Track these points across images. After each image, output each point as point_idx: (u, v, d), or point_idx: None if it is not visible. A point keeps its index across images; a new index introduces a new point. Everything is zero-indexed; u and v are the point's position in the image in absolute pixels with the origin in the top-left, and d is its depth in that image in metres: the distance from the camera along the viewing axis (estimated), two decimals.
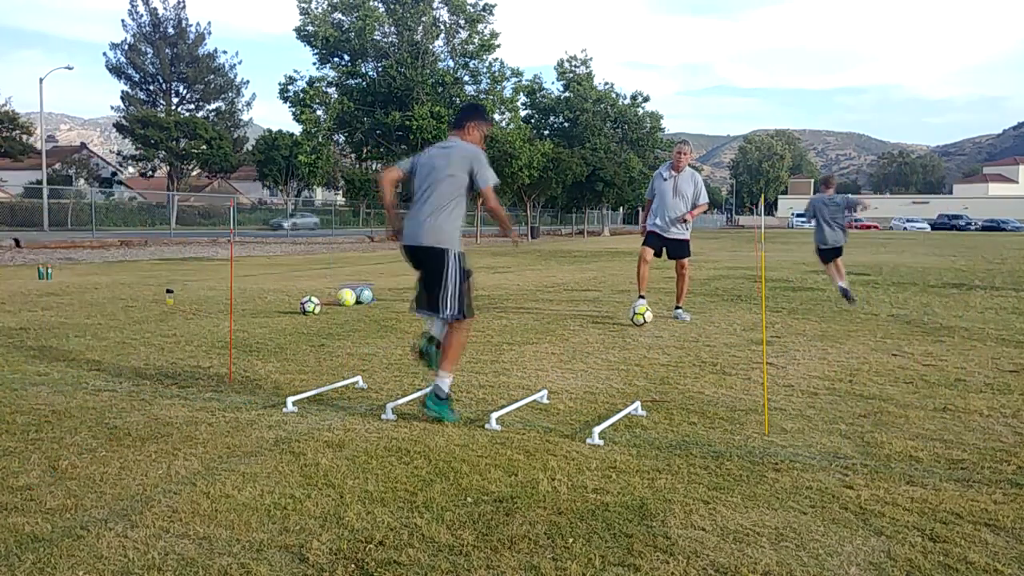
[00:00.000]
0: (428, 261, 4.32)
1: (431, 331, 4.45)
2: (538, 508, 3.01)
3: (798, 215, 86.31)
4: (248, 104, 59.95)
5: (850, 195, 11.09)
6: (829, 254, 10.36)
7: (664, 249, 8.45)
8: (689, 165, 8.73)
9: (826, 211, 10.34)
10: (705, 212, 11.31)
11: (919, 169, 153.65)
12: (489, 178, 4.37)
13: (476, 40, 32.27)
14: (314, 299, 8.74)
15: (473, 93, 32.93)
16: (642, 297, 8.27)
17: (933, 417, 4.37)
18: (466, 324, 4.36)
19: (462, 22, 32.51)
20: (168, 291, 10.22)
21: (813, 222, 10.57)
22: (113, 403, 4.58)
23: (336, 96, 31.70)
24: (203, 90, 56.66)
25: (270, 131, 55.20)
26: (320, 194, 71.47)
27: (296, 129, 38.28)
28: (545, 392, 4.80)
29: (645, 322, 7.88)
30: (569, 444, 3.83)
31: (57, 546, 2.64)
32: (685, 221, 8.43)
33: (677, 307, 8.55)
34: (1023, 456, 3.68)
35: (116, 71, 54.49)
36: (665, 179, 8.44)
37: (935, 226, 75.40)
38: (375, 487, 3.22)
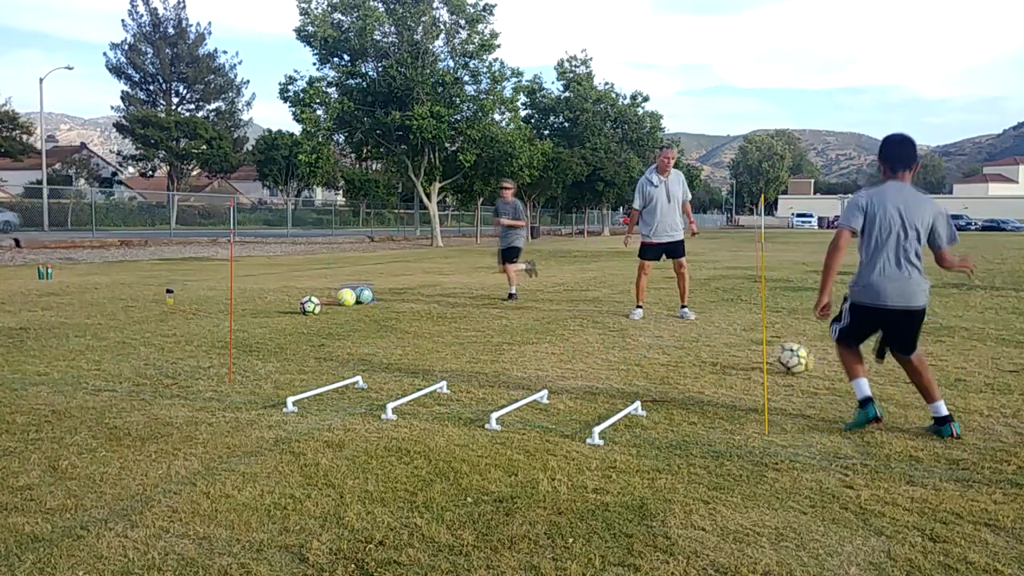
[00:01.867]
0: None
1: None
2: (538, 508, 3.01)
3: (798, 215, 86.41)
4: (248, 104, 60.01)
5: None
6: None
7: (663, 254, 8.57)
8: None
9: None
10: (698, 210, 11.51)
11: (919, 169, 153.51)
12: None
13: (476, 40, 32.23)
14: (314, 299, 8.74)
15: (473, 93, 32.91)
16: (639, 307, 8.61)
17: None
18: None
19: (462, 22, 32.47)
20: (168, 291, 10.22)
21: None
22: (113, 403, 4.58)
23: (336, 96, 31.66)
24: (203, 90, 56.66)
25: (270, 131, 55.36)
26: (320, 194, 71.49)
27: (296, 129, 38.32)
28: (545, 392, 4.80)
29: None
30: (569, 444, 3.83)
31: (57, 546, 2.64)
32: (694, 234, 8.75)
33: (683, 306, 8.58)
34: (1023, 456, 3.68)
35: (116, 71, 54.50)
36: (655, 185, 8.45)
37: None
38: (375, 487, 3.22)
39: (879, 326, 4.04)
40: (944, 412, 3.94)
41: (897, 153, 4.00)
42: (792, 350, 5.61)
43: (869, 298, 3.94)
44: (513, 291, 10.41)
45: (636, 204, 8.59)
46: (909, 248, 3.87)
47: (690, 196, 8.69)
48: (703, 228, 73.62)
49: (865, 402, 3.98)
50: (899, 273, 3.88)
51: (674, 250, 8.51)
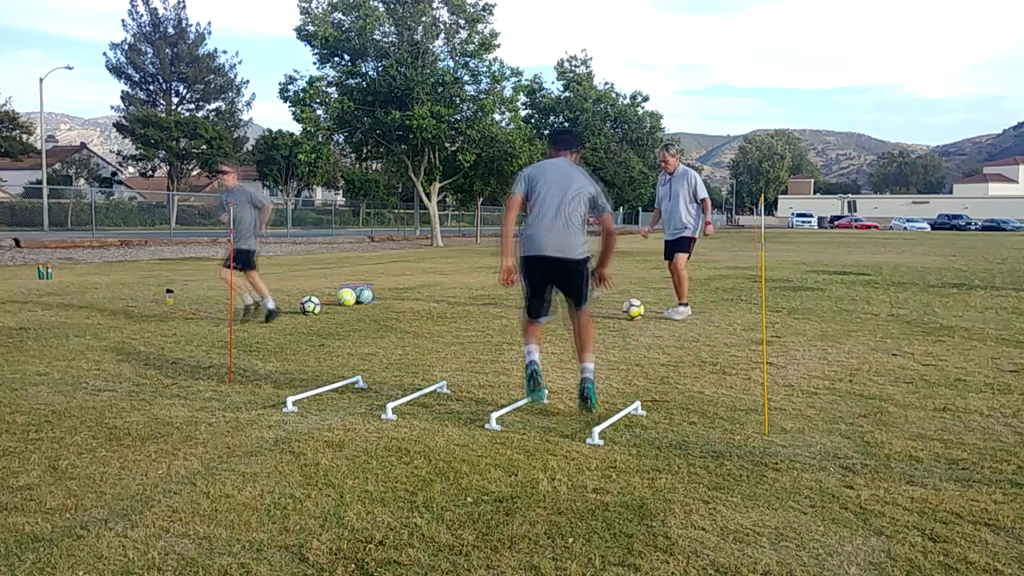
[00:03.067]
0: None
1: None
2: (538, 508, 3.01)
3: (798, 215, 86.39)
4: (248, 104, 59.98)
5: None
6: None
7: (671, 251, 8.61)
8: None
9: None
10: (713, 206, 11.45)
11: (919, 169, 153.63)
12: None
13: (476, 40, 32.22)
14: (314, 299, 8.74)
15: (473, 93, 32.89)
16: (684, 304, 8.56)
17: (933, 417, 4.37)
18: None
19: (462, 22, 32.45)
20: (168, 291, 10.22)
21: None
22: (113, 403, 4.58)
23: (336, 96, 31.65)
24: (203, 90, 56.65)
25: (270, 131, 55.37)
26: (320, 194, 71.50)
27: (296, 129, 38.32)
28: (545, 392, 4.80)
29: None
30: (569, 444, 3.83)
31: (57, 546, 2.64)
32: (706, 232, 8.75)
33: (682, 304, 8.53)
34: (1023, 456, 3.68)
35: (116, 71, 54.49)
36: (663, 184, 8.71)
37: (935, 226, 75.40)
38: (375, 487, 3.22)
39: (546, 278, 4.58)
40: (588, 375, 4.45)
41: (558, 138, 4.94)
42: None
43: (531, 249, 4.52)
44: (269, 304, 8.11)
45: (656, 203, 8.90)
46: (565, 210, 4.50)
47: (703, 194, 8.51)
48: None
49: (532, 370, 4.51)
50: (556, 227, 4.49)
51: (674, 246, 8.55)
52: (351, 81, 32.17)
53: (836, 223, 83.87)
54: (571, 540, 2.72)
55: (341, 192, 61.09)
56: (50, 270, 13.82)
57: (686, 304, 8.54)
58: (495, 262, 17.63)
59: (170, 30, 54.86)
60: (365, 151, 35.71)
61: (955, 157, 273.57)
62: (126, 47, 54.30)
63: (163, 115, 52.57)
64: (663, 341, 6.96)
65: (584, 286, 4.57)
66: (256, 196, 8.48)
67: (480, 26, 32.30)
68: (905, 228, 74.48)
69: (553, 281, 4.60)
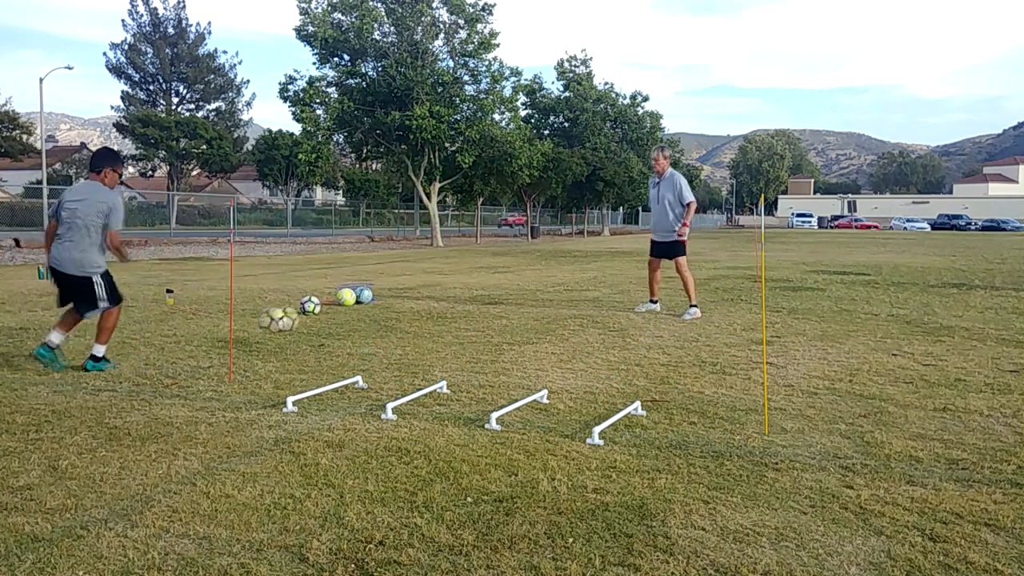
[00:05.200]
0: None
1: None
2: (538, 508, 3.01)
3: (798, 215, 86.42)
4: (248, 104, 60.01)
5: None
6: None
7: (661, 253, 8.93)
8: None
9: None
10: (698, 210, 11.58)
11: (919, 169, 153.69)
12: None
13: (476, 39, 32.23)
14: (314, 299, 8.74)
15: (473, 93, 32.91)
16: (653, 301, 8.98)
17: (933, 417, 4.37)
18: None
19: (461, 22, 32.46)
20: (168, 291, 10.22)
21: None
22: (113, 403, 4.58)
23: (336, 96, 31.65)
24: (203, 90, 56.68)
25: (270, 131, 55.36)
26: (320, 194, 71.52)
27: (296, 129, 38.31)
28: (545, 392, 4.80)
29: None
30: (569, 444, 3.83)
31: (57, 546, 2.64)
32: (680, 233, 8.77)
33: (692, 305, 8.60)
34: (1023, 456, 3.68)
35: (116, 71, 54.51)
36: (652, 187, 8.90)
37: (935, 226, 75.42)
38: (375, 487, 3.22)
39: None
40: (96, 354, 5.55)
41: (92, 160, 5.75)
42: (273, 318, 7.11)
43: (54, 263, 5.54)
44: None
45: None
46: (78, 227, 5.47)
47: (688, 199, 8.63)
48: (703, 228, 73.67)
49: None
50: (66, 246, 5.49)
51: (665, 251, 8.81)
52: (351, 81, 32.19)
53: (836, 223, 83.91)
54: (571, 540, 2.72)
55: (341, 192, 61.12)
56: None
57: (696, 305, 8.64)
58: (496, 262, 17.57)
59: (170, 30, 54.87)
60: (365, 151, 35.74)
61: (955, 157, 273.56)
62: (126, 47, 54.32)
63: (163, 115, 52.59)
64: (663, 341, 6.96)
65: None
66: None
67: (480, 26, 32.32)
68: (905, 228, 74.50)
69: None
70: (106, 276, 5.59)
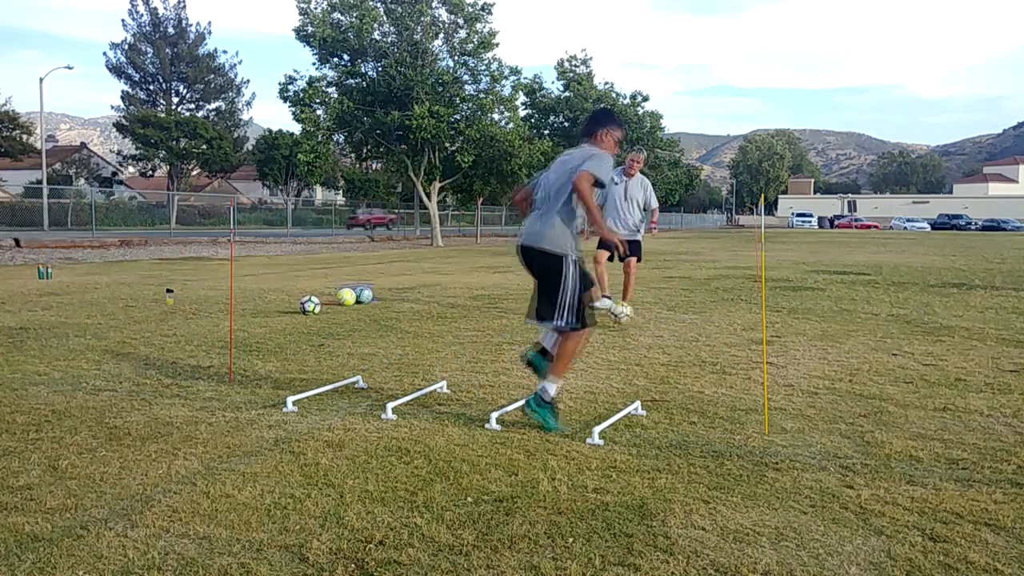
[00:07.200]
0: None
1: (542, 342, 4.30)
2: (538, 508, 3.01)
3: (798, 215, 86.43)
4: (248, 104, 60.03)
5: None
6: None
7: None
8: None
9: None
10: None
11: (919, 169, 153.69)
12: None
13: (475, 39, 32.22)
14: (314, 299, 8.74)
15: (473, 92, 32.90)
16: (607, 297, 8.61)
17: (933, 417, 4.37)
18: (581, 334, 4.19)
19: (461, 21, 32.46)
20: (168, 291, 10.22)
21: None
22: (113, 403, 4.58)
23: (336, 96, 31.64)
24: (203, 90, 56.69)
25: (270, 131, 55.37)
26: (320, 194, 71.50)
27: (296, 129, 38.29)
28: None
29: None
30: (569, 444, 3.83)
31: (57, 546, 2.64)
32: (651, 230, 9.06)
33: (622, 302, 8.53)
34: (1023, 456, 3.68)
35: (116, 71, 54.53)
36: (616, 183, 8.70)
37: (935, 226, 75.42)
38: (375, 487, 3.22)
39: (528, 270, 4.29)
40: (538, 390, 4.14)
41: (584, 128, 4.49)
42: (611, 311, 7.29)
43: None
44: None
45: (597, 198, 8.84)
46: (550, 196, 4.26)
47: (655, 204, 8.94)
48: (703, 228, 73.60)
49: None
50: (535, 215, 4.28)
51: (629, 249, 8.55)
52: (351, 81, 32.17)
53: (836, 223, 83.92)
54: (571, 540, 2.72)
55: (341, 192, 61.10)
56: (50, 270, 13.82)
57: (605, 298, 8.68)
58: (496, 262, 17.56)
59: (170, 30, 54.90)
60: (365, 151, 35.72)
61: (955, 157, 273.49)
62: (126, 47, 54.34)
63: (163, 115, 52.61)
64: (663, 341, 6.96)
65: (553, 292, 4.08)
66: None
67: (479, 25, 32.30)
68: (905, 228, 74.50)
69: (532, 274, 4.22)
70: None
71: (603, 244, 8.76)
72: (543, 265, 4.12)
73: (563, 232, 4.13)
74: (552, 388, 4.10)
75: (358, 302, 9.56)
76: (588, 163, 4.06)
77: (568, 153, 4.38)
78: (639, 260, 8.87)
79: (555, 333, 4.18)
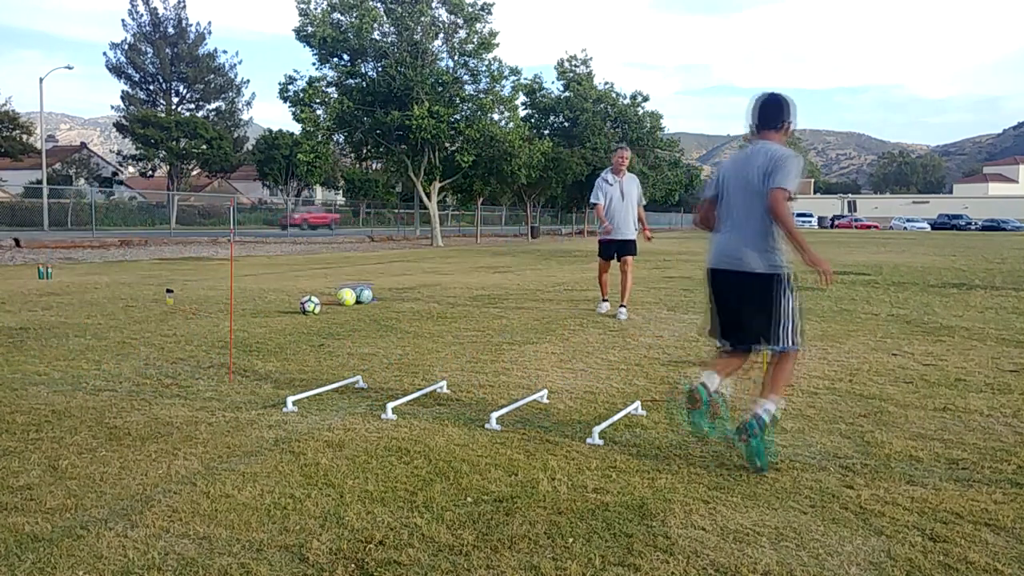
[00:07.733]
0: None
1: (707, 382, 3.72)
2: (538, 508, 3.01)
3: (798, 215, 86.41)
4: (248, 104, 59.99)
5: None
6: None
7: (616, 252, 8.87)
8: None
9: None
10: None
11: (919, 169, 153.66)
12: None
13: (475, 39, 32.22)
14: (314, 299, 8.74)
15: (472, 92, 32.89)
16: (605, 300, 9.05)
17: (933, 417, 4.37)
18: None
19: (461, 21, 32.45)
20: (168, 291, 10.22)
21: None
22: (113, 403, 4.58)
23: (336, 96, 31.64)
24: (203, 90, 56.66)
25: (270, 131, 55.38)
26: (320, 194, 71.50)
27: (296, 129, 38.29)
28: (545, 392, 4.80)
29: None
30: (569, 444, 3.83)
31: (57, 546, 2.64)
32: (648, 239, 9.27)
33: (621, 305, 8.62)
34: (1023, 456, 3.68)
35: (116, 71, 54.50)
36: (611, 184, 8.83)
37: (935, 226, 75.39)
38: (375, 487, 3.22)
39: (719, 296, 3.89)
40: (758, 409, 3.58)
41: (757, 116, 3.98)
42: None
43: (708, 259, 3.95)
44: None
45: (595, 199, 8.91)
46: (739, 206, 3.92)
47: (644, 201, 9.07)
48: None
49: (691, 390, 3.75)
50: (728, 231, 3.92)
51: (624, 248, 8.81)
52: (351, 81, 32.16)
53: (836, 223, 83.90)
54: (571, 540, 2.72)
55: (341, 192, 61.10)
56: (50, 270, 13.82)
57: (604, 302, 9.03)
58: (496, 262, 17.56)
59: (170, 30, 54.87)
60: (365, 151, 35.70)
61: (955, 157, 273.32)
62: (126, 47, 54.31)
63: (163, 115, 52.59)
64: (663, 341, 6.96)
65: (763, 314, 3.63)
66: None
67: (479, 25, 32.29)
68: (905, 228, 74.47)
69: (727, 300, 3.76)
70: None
71: (603, 253, 8.99)
72: (748, 289, 3.72)
73: (765, 245, 3.81)
74: (773, 407, 3.60)
75: (358, 302, 9.55)
76: (777, 177, 3.71)
77: (750, 149, 3.89)
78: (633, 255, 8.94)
79: (721, 372, 3.79)
